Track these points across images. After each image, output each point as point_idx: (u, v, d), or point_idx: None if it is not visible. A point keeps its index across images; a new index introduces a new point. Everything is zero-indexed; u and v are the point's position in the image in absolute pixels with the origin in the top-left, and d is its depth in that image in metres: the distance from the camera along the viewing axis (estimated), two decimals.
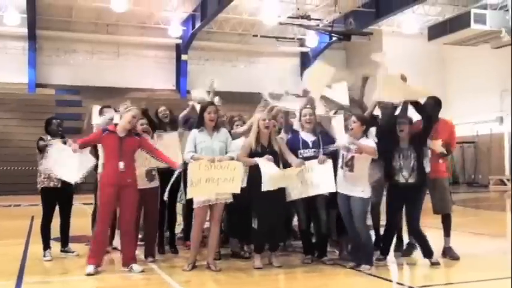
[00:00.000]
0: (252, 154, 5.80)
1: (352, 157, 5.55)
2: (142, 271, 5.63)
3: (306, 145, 5.96)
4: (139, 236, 7.59)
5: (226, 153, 5.70)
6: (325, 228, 5.95)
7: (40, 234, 6.40)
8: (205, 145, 5.67)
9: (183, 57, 24.67)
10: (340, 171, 5.68)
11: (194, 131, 5.79)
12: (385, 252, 6.07)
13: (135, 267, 5.64)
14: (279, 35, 25.06)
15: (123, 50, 24.20)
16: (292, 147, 5.97)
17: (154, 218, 6.34)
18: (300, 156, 5.88)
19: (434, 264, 5.79)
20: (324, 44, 26.25)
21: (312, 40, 25.59)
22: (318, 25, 23.11)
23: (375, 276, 5.39)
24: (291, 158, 5.82)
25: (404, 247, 6.50)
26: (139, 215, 6.18)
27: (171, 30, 23.17)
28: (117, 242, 6.68)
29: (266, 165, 5.64)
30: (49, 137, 6.35)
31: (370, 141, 5.62)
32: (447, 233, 6.28)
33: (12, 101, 20.70)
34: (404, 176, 5.78)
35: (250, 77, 24.82)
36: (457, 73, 24.87)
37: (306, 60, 27.54)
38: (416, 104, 5.93)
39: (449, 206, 6.34)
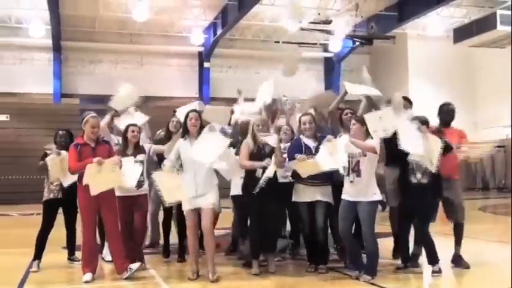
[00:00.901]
0: (250, 155, 5.82)
1: (358, 162, 5.43)
2: (144, 268, 5.77)
3: (309, 151, 5.88)
4: (146, 243, 7.68)
5: None
6: (322, 235, 5.83)
7: (35, 244, 6.39)
8: (185, 155, 5.68)
9: (206, 64, 24.77)
10: (346, 179, 5.54)
11: (179, 140, 5.81)
12: (405, 260, 5.88)
13: (133, 265, 5.67)
14: (302, 41, 24.89)
15: (146, 59, 24.44)
16: (295, 152, 5.87)
17: (144, 224, 6.33)
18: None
19: (435, 272, 5.59)
20: (347, 49, 26.02)
21: (335, 45, 25.36)
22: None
23: (377, 286, 5.22)
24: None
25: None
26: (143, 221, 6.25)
27: (193, 38, 23.31)
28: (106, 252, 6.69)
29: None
30: (53, 147, 6.40)
31: (372, 141, 5.46)
32: (458, 242, 6.07)
33: (38, 111, 21.07)
34: (417, 177, 5.63)
35: (274, 84, 24.69)
36: (485, 76, 24.31)
37: (330, 66, 27.35)
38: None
39: (460, 214, 6.09)
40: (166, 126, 7.00)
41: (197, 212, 5.65)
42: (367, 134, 5.47)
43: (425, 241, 5.73)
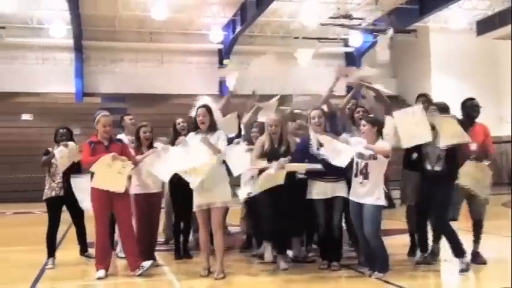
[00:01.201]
0: (263, 154, 5.79)
1: (367, 164, 5.34)
2: (157, 265, 5.81)
3: (321, 145, 5.71)
4: (161, 240, 7.72)
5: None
6: (338, 232, 5.76)
7: (46, 243, 6.45)
8: (194, 148, 5.59)
9: (225, 62, 24.74)
10: (354, 179, 5.46)
11: (190, 135, 5.77)
12: (423, 249, 5.86)
13: (145, 263, 5.68)
14: (322, 36, 24.77)
15: (166, 57, 24.56)
16: (306, 148, 5.82)
17: (157, 222, 6.39)
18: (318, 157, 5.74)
19: (463, 271, 5.43)
20: (368, 43, 25.73)
21: (356, 40, 25.12)
22: (359, 24, 22.72)
23: (390, 284, 5.13)
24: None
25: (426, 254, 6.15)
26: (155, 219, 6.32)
27: (212, 35, 23.33)
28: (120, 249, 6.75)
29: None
30: (55, 147, 6.44)
31: (384, 143, 5.38)
32: (477, 239, 5.94)
33: (61, 110, 21.34)
34: (431, 164, 5.54)
35: (294, 80, 24.67)
36: (510, 69, 23.79)
37: (351, 61, 27.10)
38: None
39: (482, 211, 5.96)
40: (173, 126, 6.84)
41: (207, 209, 5.61)
42: (378, 135, 5.40)
43: (447, 233, 5.58)
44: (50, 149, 6.44)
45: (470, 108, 5.93)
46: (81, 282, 5.72)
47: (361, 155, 5.36)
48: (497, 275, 5.52)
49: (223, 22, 23.53)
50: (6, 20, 20.61)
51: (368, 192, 5.32)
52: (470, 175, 5.55)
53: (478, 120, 5.99)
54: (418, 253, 6.10)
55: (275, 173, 5.48)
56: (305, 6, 21.49)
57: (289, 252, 6.19)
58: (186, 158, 5.50)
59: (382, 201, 5.32)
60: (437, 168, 5.54)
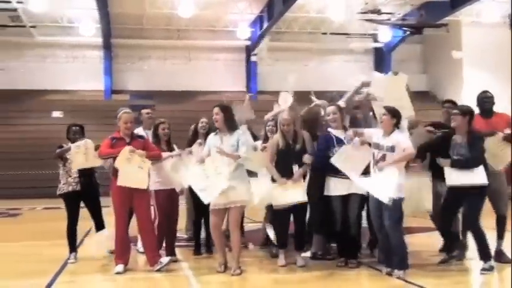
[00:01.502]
0: (278, 152, 5.79)
1: (384, 155, 5.23)
2: (176, 260, 5.86)
3: (341, 142, 5.74)
4: (185, 236, 7.73)
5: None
6: (354, 229, 5.67)
7: (66, 238, 6.51)
8: (213, 150, 5.60)
9: (253, 58, 24.75)
10: (372, 171, 5.35)
11: (211, 135, 5.79)
12: (450, 249, 5.73)
13: (163, 259, 5.73)
14: (350, 31, 24.51)
15: (194, 54, 24.65)
16: (326, 145, 5.80)
17: (176, 218, 6.41)
18: (334, 154, 5.67)
19: (485, 270, 5.29)
20: (398, 38, 25.34)
21: (385, 35, 24.76)
22: (389, 19, 22.37)
23: (408, 282, 5.00)
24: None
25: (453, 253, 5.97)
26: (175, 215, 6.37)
27: (239, 32, 23.30)
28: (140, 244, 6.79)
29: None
30: (69, 143, 6.47)
31: (404, 138, 5.25)
32: (501, 235, 5.79)
33: (90, 107, 21.66)
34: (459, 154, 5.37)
35: (323, 76, 24.48)
36: None
37: (380, 56, 26.74)
38: None
39: (504, 206, 5.80)
40: (194, 126, 6.85)
41: (223, 209, 5.57)
42: (395, 127, 5.29)
43: (477, 235, 5.42)
44: (64, 144, 6.49)
45: (481, 101, 5.86)
46: (100, 277, 5.78)
47: (378, 146, 5.28)
48: None
49: (250, 19, 23.49)
50: (38, 19, 21.00)
51: (386, 184, 5.18)
52: (489, 149, 5.44)
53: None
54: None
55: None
56: (333, 1, 21.27)
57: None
58: (203, 180, 5.51)
59: (402, 193, 5.20)
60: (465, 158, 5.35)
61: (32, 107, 21.89)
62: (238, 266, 5.49)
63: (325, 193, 5.79)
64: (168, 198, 6.17)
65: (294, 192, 5.60)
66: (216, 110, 5.60)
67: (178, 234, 7.97)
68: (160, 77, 23.76)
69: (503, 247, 5.77)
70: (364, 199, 5.67)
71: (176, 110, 21.20)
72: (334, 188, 5.70)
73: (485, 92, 5.94)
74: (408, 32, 22.49)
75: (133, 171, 5.63)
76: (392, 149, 5.20)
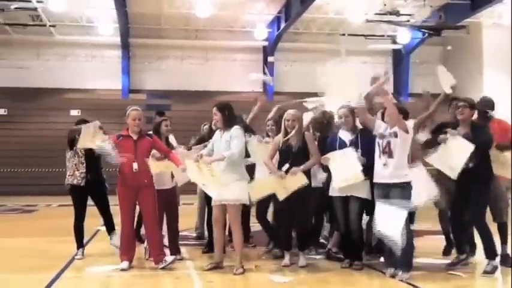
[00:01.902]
0: (280, 151, 5.86)
1: (389, 142, 5.25)
2: (181, 259, 5.97)
3: (343, 145, 5.78)
4: (194, 235, 7.78)
5: None
6: (356, 231, 5.61)
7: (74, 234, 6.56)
8: (215, 145, 5.80)
9: (270, 59, 24.66)
10: (378, 161, 5.33)
11: (217, 131, 5.89)
12: (459, 251, 5.69)
13: (168, 258, 5.76)
14: (368, 33, 24.31)
15: (211, 55, 24.68)
16: (331, 147, 5.85)
17: (176, 216, 6.43)
18: None
19: (487, 273, 5.26)
20: (417, 40, 25.06)
21: (404, 36, 24.46)
22: (408, 21, 22.14)
23: (411, 285, 4.92)
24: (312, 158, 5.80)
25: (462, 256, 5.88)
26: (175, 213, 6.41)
27: (256, 33, 23.28)
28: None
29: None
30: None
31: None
32: (504, 240, 5.76)
33: (107, 106, 21.81)
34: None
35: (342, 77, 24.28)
36: None
37: (398, 58, 26.49)
38: None
39: (503, 213, 5.76)
40: (209, 123, 6.94)
41: (222, 205, 5.62)
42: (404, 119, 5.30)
43: (482, 232, 5.40)
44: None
45: (480, 105, 5.79)
46: (105, 273, 5.78)
47: (381, 135, 5.31)
48: None
49: (267, 19, 23.44)
50: (57, 18, 21.20)
51: (394, 173, 5.17)
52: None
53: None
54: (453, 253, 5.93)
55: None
56: (351, 3, 21.12)
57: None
58: (200, 176, 5.63)
59: (409, 177, 5.16)
60: (471, 164, 5.31)
61: (51, 105, 22.13)
62: (241, 265, 5.48)
63: (330, 193, 5.83)
64: (164, 198, 6.12)
65: (294, 180, 5.60)
66: (214, 110, 5.74)
67: (187, 233, 8.05)
68: (178, 76, 23.84)
69: (508, 251, 5.72)
70: (365, 202, 5.62)
71: (193, 110, 21.25)
72: (335, 188, 5.71)
73: (484, 97, 5.98)
74: (427, 34, 22.20)
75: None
76: (395, 134, 5.24)
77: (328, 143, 5.95)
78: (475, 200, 5.36)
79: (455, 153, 5.29)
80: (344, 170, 5.48)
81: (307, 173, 5.77)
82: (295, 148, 5.78)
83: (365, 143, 5.64)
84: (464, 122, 5.45)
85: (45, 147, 19.55)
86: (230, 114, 5.72)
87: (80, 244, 6.56)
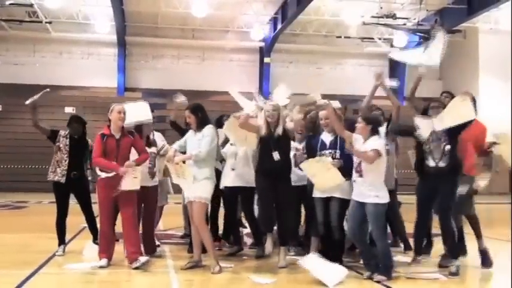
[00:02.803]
0: (261, 139, 5.96)
1: (360, 162, 5.26)
2: (159, 256, 6.02)
3: (323, 146, 5.86)
4: (180, 233, 7.82)
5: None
6: (337, 233, 5.62)
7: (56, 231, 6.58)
8: (188, 143, 5.91)
9: (266, 60, 24.70)
10: (353, 177, 5.37)
11: (189, 132, 6.00)
12: (417, 252, 5.73)
13: (142, 258, 5.75)
14: (365, 36, 24.34)
15: (207, 54, 24.70)
16: (311, 148, 5.98)
17: (152, 216, 6.45)
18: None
19: (452, 274, 5.33)
20: (413, 44, 25.05)
21: (400, 40, 24.46)
22: (404, 24, 22.16)
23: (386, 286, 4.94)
24: None
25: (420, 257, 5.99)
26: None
27: (253, 33, 23.27)
28: None
29: None
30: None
31: (374, 144, 5.21)
32: (477, 234, 5.83)
33: (102, 104, 21.78)
34: (435, 159, 5.38)
35: (337, 79, 24.41)
36: None
37: (395, 61, 26.47)
38: None
39: (467, 207, 5.82)
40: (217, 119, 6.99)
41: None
42: (373, 133, 5.31)
43: (447, 230, 5.47)
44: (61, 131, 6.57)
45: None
46: (83, 270, 5.77)
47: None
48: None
49: (264, 20, 23.45)
50: (54, 15, 21.19)
51: (366, 191, 5.16)
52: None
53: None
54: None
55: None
56: (347, 5, 21.14)
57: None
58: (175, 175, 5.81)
59: (383, 199, 5.15)
60: (442, 164, 5.37)
61: (45, 102, 21.93)
62: (216, 263, 5.49)
63: (313, 194, 5.86)
64: (141, 195, 6.11)
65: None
66: (187, 113, 5.87)
67: (173, 232, 8.08)
68: (174, 76, 23.81)
69: (485, 246, 5.79)
70: (347, 203, 5.65)
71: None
72: (316, 189, 5.76)
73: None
74: (421, 39, 22.23)
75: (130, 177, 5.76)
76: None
77: (309, 142, 6.07)
78: (444, 198, 5.43)
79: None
80: (322, 176, 5.51)
81: None
82: (276, 136, 5.84)
83: (343, 144, 5.67)
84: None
85: (40, 144, 19.43)
86: (203, 116, 5.84)
87: (62, 241, 6.57)
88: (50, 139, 6.59)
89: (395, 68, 26.55)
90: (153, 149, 6.37)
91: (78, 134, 6.68)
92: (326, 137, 5.89)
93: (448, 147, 5.38)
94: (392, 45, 25.45)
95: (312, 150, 5.89)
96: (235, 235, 6.82)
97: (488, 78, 23.85)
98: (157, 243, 7.27)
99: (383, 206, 5.17)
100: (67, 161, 6.45)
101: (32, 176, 19.33)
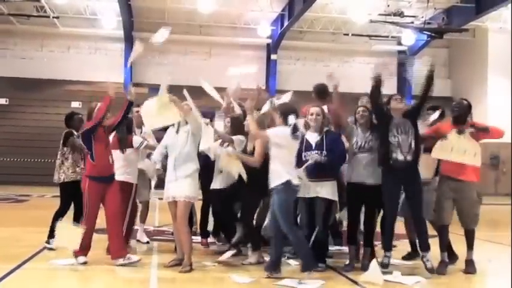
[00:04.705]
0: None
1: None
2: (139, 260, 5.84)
3: (309, 147, 5.73)
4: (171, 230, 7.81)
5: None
6: (321, 233, 5.59)
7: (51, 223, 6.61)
8: (170, 140, 5.96)
9: (272, 56, 24.66)
10: None
11: (170, 127, 6.09)
12: (388, 248, 5.60)
13: (133, 257, 5.82)
14: (373, 33, 24.20)
15: (214, 51, 24.71)
16: (298, 148, 5.70)
17: (124, 211, 6.41)
18: (304, 158, 5.68)
19: (429, 271, 5.39)
20: (422, 42, 24.90)
21: (408, 38, 24.29)
22: (412, 22, 21.99)
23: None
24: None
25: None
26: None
27: (260, 30, 23.25)
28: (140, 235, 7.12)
29: None
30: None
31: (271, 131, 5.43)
32: (470, 246, 5.74)
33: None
34: (403, 153, 5.36)
35: (344, 77, 24.20)
36: None
37: (403, 59, 26.31)
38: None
39: (474, 221, 5.72)
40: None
41: (174, 202, 5.70)
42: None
43: (419, 226, 5.54)
44: (74, 132, 6.66)
45: (452, 110, 5.84)
46: (65, 266, 5.77)
47: None
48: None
49: (271, 17, 23.41)
50: (61, 10, 21.33)
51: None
52: None
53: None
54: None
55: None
56: (354, 2, 21.03)
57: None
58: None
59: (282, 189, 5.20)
60: (409, 158, 5.37)
61: (52, 97, 22.27)
62: (188, 263, 5.52)
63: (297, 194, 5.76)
64: (128, 191, 6.27)
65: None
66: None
67: (166, 228, 8.13)
68: (180, 71, 23.78)
69: (473, 257, 5.72)
70: (331, 203, 5.64)
71: (197, 105, 21.26)
72: (302, 189, 5.59)
73: (462, 99, 5.93)
74: (428, 37, 22.08)
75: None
76: None
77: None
78: (413, 189, 5.46)
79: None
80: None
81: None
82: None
83: (330, 144, 5.65)
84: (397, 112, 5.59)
85: (46, 138, 19.70)
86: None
87: (52, 235, 6.62)
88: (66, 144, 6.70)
89: (404, 65, 26.38)
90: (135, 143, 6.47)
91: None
92: (311, 137, 5.77)
93: (414, 141, 5.40)
94: (400, 43, 25.33)
95: (297, 152, 5.64)
96: (227, 234, 6.69)
97: (497, 77, 23.65)
98: (146, 240, 7.35)
99: (286, 191, 5.21)
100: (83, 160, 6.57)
101: (36, 170, 19.51)
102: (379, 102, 5.66)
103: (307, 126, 5.81)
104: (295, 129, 5.28)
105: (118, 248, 5.79)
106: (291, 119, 5.33)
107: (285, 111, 5.39)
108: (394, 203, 5.54)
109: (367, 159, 5.63)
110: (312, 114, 5.79)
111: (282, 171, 5.22)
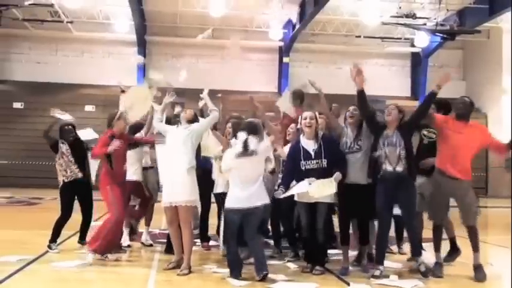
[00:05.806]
0: None
1: None
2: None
3: (307, 155, 5.65)
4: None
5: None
6: (322, 237, 5.59)
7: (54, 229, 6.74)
8: (171, 137, 6.04)
9: (285, 59, 24.68)
10: None
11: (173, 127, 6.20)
12: (379, 261, 5.55)
13: (89, 256, 6.03)
14: (386, 35, 24.09)
15: (226, 54, 24.76)
16: (294, 157, 5.73)
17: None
18: (303, 167, 5.64)
19: (423, 275, 5.35)
20: (435, 44, 24.71)
21: (422, 40, 24.14)
22: (424, 24, 21.84)
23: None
24: None
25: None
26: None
27: (271, 33, 23.28)
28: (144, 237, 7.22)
29: None
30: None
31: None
32: (475, 247, 5.64)
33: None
34: (391, 164, 5.38)
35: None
36: None
37: (416, 61, 26.16)
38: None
39: (475, 217, 5.67)
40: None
41: (174, 207, 5.72)
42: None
43: (411, 231, 5.54)
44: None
45: (455, 107, 5.85)
46: (67, 268, 5.86)
47: None
48: None
49: (283, 20, 23.44)
50: (75, 15, 21.59)
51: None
52: None
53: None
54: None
55: None
56: (365, 5, 20.96)
57: None
58: None
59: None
60: (399, 169, 5.34)
61: (66, 100, 22.39)
62: (187, 266, 5.56)
63: (295, 198, 5.76)
64: (128, 190, 6.57)
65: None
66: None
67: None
68: (193, 75, 23.79)
69: (480, 261, 5.65)
70: (331, 206, 5.65)
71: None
72: (302, 195, 5.62)
73: (464, 97, 5.93)
74: (441, 39, 21.93)
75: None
76: None
77: (291, 152, 5.82)
78: (407, 202, 5.46)
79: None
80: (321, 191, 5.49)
81: None
82: None
83: (329, 151, 5.63)
84: (391, 126, 5.56)
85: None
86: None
87: (54, 240, 6.75)
88: (52, 148, 6.84)
89: (417, 69, 26.21)
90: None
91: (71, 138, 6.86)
92: (308, 145, 5.70)
93: (403, 152, 5.39)
94: (413, 45, 25.18)
95: (294, 161, 5.69)
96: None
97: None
98: (150, 242, 7.42)
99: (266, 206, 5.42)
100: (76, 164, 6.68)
101: (50, 173, 19.63)
102: (368, 111, 5.65)
103: (301, 132, 5.83)
104: (245, 146, 5.31)
105: (94, 242, 6.02)
106: (241, 135, 5.38)
107: (236, 127, 5.54)
108: (386, 213, 5.53)
109: (357, 159, 5.64)
110: (305, 119, 5.73)
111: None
